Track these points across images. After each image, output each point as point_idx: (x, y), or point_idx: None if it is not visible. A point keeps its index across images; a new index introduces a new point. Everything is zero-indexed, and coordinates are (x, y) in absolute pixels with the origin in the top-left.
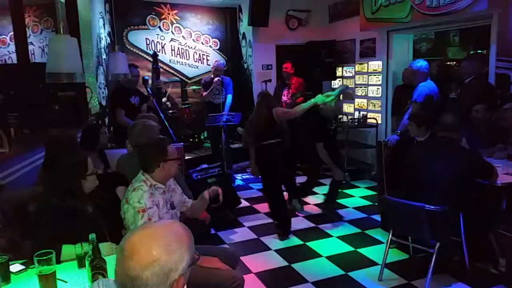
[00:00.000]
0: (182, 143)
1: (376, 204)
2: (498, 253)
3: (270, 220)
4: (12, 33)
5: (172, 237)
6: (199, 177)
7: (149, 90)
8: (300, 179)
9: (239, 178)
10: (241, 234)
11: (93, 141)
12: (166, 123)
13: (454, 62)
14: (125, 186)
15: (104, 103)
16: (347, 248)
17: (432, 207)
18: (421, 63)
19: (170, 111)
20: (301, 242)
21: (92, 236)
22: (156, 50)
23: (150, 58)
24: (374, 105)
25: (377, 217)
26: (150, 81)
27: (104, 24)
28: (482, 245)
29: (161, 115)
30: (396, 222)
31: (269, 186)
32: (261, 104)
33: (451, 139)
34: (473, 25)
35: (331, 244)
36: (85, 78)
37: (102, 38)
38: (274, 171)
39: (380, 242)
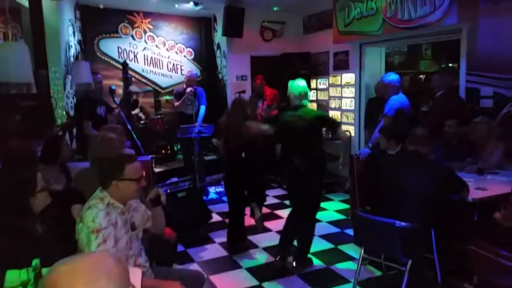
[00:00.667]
0: (150, 156)
1: (350, 218)
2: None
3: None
4: None
5: (98, 272)
6: (168, 191)
7: (116, 100)
8: (275, 192)
9: (212, 191)
10: (211, 251)
11: (54, 154)
12: (135, 135)
13: (423, 76)
14: (81, 204)
15: (72, 113)
16: (320, 264)
17: (403, 223)
18: (392, 76)
19: (142, 122)
20: (272, 259)
21: (36, 261)
22: (126, 59)
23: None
24: (348, 117)
25: (351, 232)
26: (120, 91)
27: (74, 32)
28: (455, 261)
29: (129, 126)
30: (367, 239)
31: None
32: (235, 112)
33: (421, 153)
34: (444, 39)
35: None
36: (51, 87)
37: (71, 46)
38: (236, 183)
39: (353, 258)
